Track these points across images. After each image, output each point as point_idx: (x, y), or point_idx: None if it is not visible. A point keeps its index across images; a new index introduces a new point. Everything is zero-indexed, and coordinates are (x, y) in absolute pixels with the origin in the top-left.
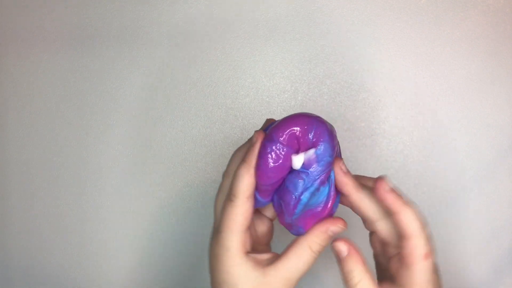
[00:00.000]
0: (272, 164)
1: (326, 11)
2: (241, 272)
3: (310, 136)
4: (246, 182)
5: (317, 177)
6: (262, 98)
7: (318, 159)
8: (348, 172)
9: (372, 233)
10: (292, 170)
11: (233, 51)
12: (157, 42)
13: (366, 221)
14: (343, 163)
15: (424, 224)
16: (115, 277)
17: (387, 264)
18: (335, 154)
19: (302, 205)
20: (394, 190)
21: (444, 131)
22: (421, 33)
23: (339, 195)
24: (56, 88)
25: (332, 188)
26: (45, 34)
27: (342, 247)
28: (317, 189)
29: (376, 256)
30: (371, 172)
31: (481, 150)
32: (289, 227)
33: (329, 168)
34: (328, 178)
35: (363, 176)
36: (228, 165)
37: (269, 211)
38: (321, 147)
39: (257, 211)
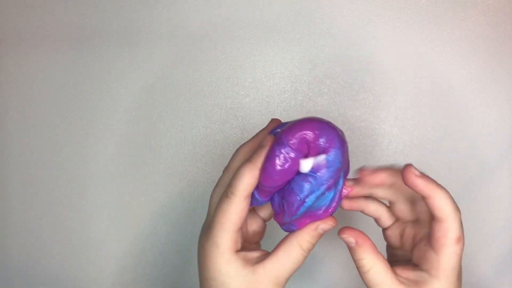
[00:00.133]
0: (279, 167)
1: (326, 11)
2: (230, 269)
3: (321, 142)
4: (247, 181)
5: (325, 182)
6: (262, 98)
7: (328, 165)
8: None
9: (389, 228)
10: (298, 172)
11: (233, 51)
12: (157, 42)
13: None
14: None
15: (457, 208)
16: (115, 277)
17: (410, 253)
18: (345, 160)
19: (305, 208)
20: (424, 175)
21: (444, 131)
22: (421, 33)
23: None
24: (56, 88)
25: (338, 194)
26: (45, 34)
27: (350, 238)
28: (323, 193)
29: (391, 249)
30: None
31: (481, 150)
32: (282, 224)
33: (338, 175)
34: (335, 183)
35: (380, 167)
36: (230, 161)
37: (264, 211)
38: (332, 154)
39: (251, 209)
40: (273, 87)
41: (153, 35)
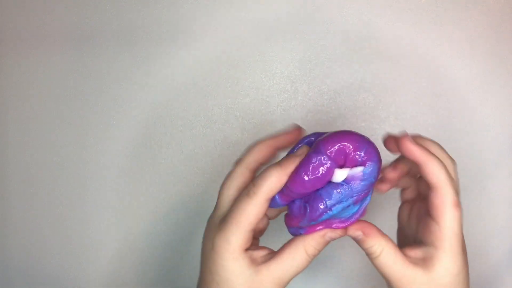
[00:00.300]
0: (312, 175)
1: (326, 11)
2: (236, 267)
3: (361, 154)
4: (273, 185)
5: (355, 195)
6: (262, 98)
7: (363, 178)
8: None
9: (403, 204)
10: (329, 183)
11: (233, 51)
12: (157, 42)
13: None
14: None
15: (451, 177)
16: (115, 277)
17: (416, 231)
18: (378, 178)
19: (329, 216)
20: (418, 143)
21: (445, 131)
22: (421, 33)
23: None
24: (56, 88)
25: (361, 211)
26: (45, 34)
27: (357, 232)
28: (349, 205)
29: (401, 230)
30: None
31: (481, 150)
32: (292, 226)
33: (369, 190)
34: (363, 199)
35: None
36: (245, 156)
37: (272, 210)
38: (370, 167)
39: None
40: (273, 87)
41: (153, 35)
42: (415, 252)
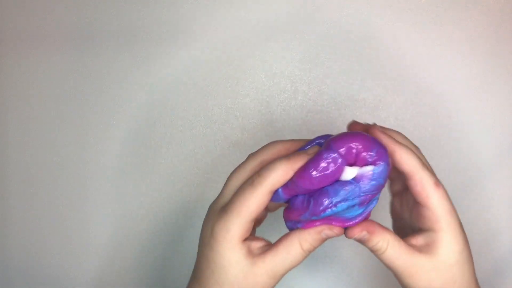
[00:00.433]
0: (321, 171)
1: (326, 11)
2: (233, 256)
3: (372, 154)
4: (278, 177)
5: (362, 194)
6: (262, 98)
7: (372, 178)
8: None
9: (394, 198)
10: (337, 181)
11: (233, 51)
12: (157, 42)
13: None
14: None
15: (423, 163)
16: (115, 277)
17: (412, 221)
18: (386, 182)
19: (332, 212)
20: (386, 133)
21: (445, 132)
22: (421, 33)
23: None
24: (56, 88)
25: (364, 214)
26: (45, 34)
27: (362, 233)
28: (354, 205)
29: (396, 222)
30: None
31: (481, 150)
32: (291, 220)
33: (377, 191)
34: (370, 201)
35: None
36: (260, 150)
37: (272, 204)
38: (380, 167)
39: None
40: (273, 87)
41: (153, 35)
42: (417, 240)
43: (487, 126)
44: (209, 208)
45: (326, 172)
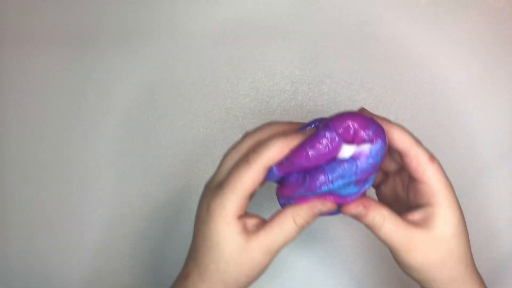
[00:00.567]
0: (318, 149)
1: (326, 11)
2: (228, 233)
3: (369, 132)
4: (274, 154)
5: (359, 172)
6: (262, 98)
7: (369, 155)
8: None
9: (382, 184)
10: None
11: (233, 51)
12: (157, 42)
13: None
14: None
15: (416, 138)
16: (115, 277)
17: (408, 200)
18: (382, 162)
19: (327, 189)
20: (376, 115)
21: (445, 132)
22: (421, 33)
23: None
24: (56, 88)
25: (359, 194)
26: (45, 34)
27: (358, 208)
28: (349, 184)
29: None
30: None
31: (481, 150)
32: (284, 196)
33: (372, 171)
34: (364, 181)
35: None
36: (257, 130)
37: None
38: (378, 145)
39: None
40: (273, 87)
41: (153, 35)
42: (414, 216)
43: (487, 126)
44: (205, 186)
45: (324, 150)
